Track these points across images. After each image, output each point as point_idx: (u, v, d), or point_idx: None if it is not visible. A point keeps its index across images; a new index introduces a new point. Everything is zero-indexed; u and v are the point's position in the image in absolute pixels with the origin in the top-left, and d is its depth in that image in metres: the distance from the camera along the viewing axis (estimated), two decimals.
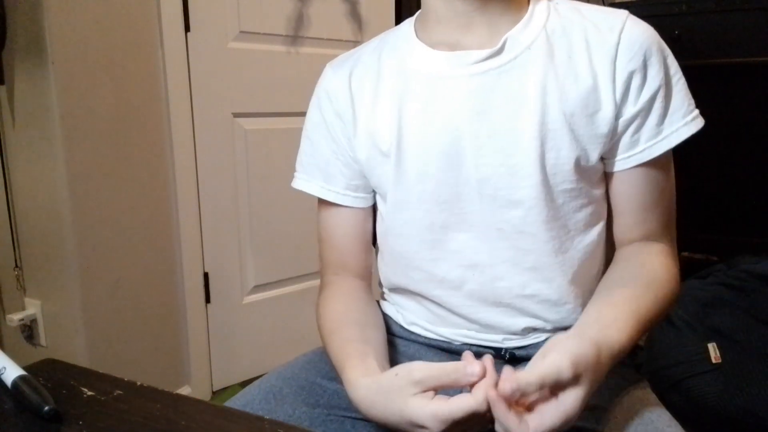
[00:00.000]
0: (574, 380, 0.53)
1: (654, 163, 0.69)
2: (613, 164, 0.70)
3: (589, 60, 0.67)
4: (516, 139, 0.68)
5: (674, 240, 0.75)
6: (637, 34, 0.67)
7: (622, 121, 0.68)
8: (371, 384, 0.60)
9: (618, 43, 0.67)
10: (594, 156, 0.69)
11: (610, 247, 0.76)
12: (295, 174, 0.84)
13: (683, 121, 0.68)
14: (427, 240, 0.74)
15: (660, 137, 0.68)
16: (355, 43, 0.77)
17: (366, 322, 0.74)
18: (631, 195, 0.71)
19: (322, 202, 0.83)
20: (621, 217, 0.73)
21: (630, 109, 0.67)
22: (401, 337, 0.82)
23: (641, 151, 0.69)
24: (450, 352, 0.79)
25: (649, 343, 1.55)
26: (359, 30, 2.03)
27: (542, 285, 0.72)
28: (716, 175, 2.07)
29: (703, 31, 2.00)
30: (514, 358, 0.75)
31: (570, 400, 0.53)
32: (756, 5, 1.91)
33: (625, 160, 0.69)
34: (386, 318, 0.85)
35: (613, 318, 0.62)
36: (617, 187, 0.72)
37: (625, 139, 0.69)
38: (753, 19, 1.93)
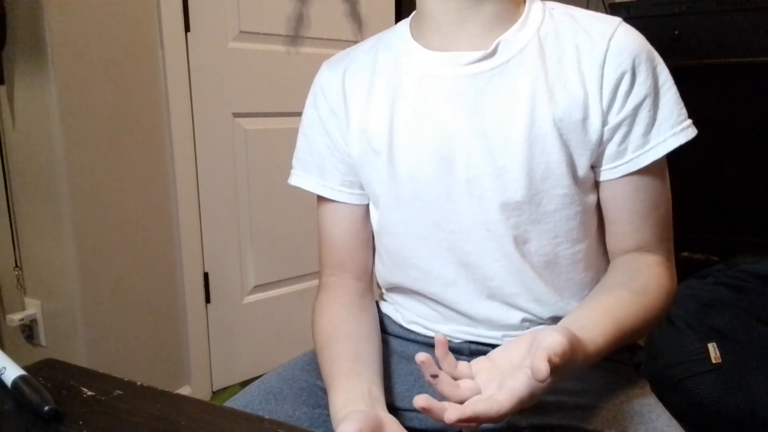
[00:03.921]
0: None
1: (644, 173, 0.69)
2: (601, 173, 0.70)
3: (578, 66, 0.67)
4: (505, 142, 0.68)
5: (671, 253, 0.73)
6: (626, 42, 0.67)
7: (607, 129, 0.67)
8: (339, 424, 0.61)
9: (607, 50, 0.66)
10: (583, 162, 0.68)
11: (605, 255, 0.76)
12: (292, 171, 0.84)
13: (671, 131, 0.67)
14: (421, 237, 0.74)
15: (647, 147, 0.68)
16: (355, 43, 0.78)
17: (360, 334, 0.74)
18: (622, 204, 0.71)
19: (321, 200, 0.83)
20: (613, 226, 0.73)
21: (616, 117, 0.67)
22: (401, 337, 0.82)
23: (628, 161, 0.68)
24: (450, 350, 0.79)
25: (649, 343, 1.55)
26: (359, 30, 2.03)
27: (534, 287, 0.72)
28: (716, 174, 2.07)
29: (703, 31, 2.00)
30: None
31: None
32: (756, 5, 1.91)
33: (612, 170, 0.69)
34: (385, 318, 0.85)
35: (593, 321, 0.62)
36: (607, 196, 0.71)
37: (612, 148, 0.68)
38: (753, 19, 1.93)
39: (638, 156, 0.68)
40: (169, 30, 1.61)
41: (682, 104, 0.69)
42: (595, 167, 0.70)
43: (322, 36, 1.94)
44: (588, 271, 0.74)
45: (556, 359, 0.48)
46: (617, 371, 0.75)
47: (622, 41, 0.67)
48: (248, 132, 1.85)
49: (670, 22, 2.02)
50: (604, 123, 0.67)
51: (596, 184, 0.72)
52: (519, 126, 0.67)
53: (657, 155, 0.68)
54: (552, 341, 0.50)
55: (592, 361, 0.59)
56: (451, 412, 0.49)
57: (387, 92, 0.74)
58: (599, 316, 0.63)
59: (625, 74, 0.66)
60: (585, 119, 0.67)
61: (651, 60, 0.68)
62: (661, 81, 0.68)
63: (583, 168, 0.69)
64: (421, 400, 0.49)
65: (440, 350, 0.55)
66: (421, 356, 0.53)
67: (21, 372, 0.59)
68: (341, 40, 1.98)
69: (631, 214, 0.71)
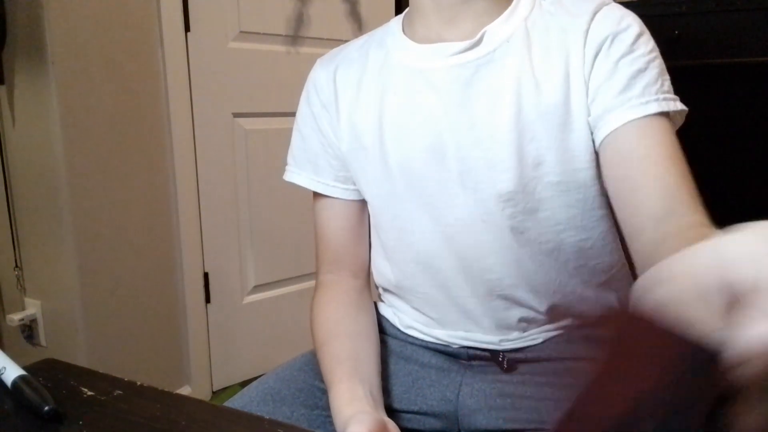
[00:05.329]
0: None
1: (642, 125, 0.63)
2: (595, 138, 0.66)
3: (564, 47, 0.66)
4: (493, 132, 0.67)
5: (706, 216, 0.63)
6: (613, 11, 0.66)
7: (591, 92, 0.65)
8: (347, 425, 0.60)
9: (591, 21, 0.66)
10: (581, 146, 0.66)
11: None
12: (287, 167, 0.84)
13: (655, 96, 0.64)
14: (417, 232, 0.74)
15: (630, 104, 0.63)
16: None
17: (358, 332, 0.74)
18: (627, 154, 0.64)
19: (316, 196, 0.83)
20: (631, 189, 0.64)
21: (598, 74, 0.65)
22: (398, 339, 0.82)
23: (614, 117, 0.64)
24: (447, 354, 0.79)
25: None
26: (359, 30, 2.03)
27: (533, 277, 0.71)
28: (716, 174, 2.07)
29: (703, 31, 2.00)
30: (511, 363, 0.75)
31: None
32: (756, 5, 1.91)
33: (601, 129, 0.65)
34: (383, 320, 0.85)
35: None
36: (611, 153, 0.65)
37: (598, 109, 0.65)
38: (753, 19, 1.93)
39: (625, 111, 0.63)
40: (169, 30, 1.61)
41: (668, 77, 0.66)
42: (593, 137, 0.67)
43: (322, 36, 1.94)
44: (603, 257, 0.73)
45: None
46: None
47: (608, 12, 0.66)
48: (248, 132, 1.85)
49: (670, 22, 2.02)
50: (587, 86, 0.65)
51: (598, 171, 0.68)
52: (506, 115, 0.66)
53: (636, 115, 0.63)
54: None
55: None
56: None
57: (376, 88, 0.74)
58: None
59: (607, 37, 0.65)
60: (571, 101, 0.66)
61: (637, 27, 0.66)
62: (647, 49, 0.66)
63: (577, 151, 0.67)
64: None
65: None
66: None
67: (21, 372, 0.59)
68: (341, 40, 1.96)
69: (642, 160, 0.63)
